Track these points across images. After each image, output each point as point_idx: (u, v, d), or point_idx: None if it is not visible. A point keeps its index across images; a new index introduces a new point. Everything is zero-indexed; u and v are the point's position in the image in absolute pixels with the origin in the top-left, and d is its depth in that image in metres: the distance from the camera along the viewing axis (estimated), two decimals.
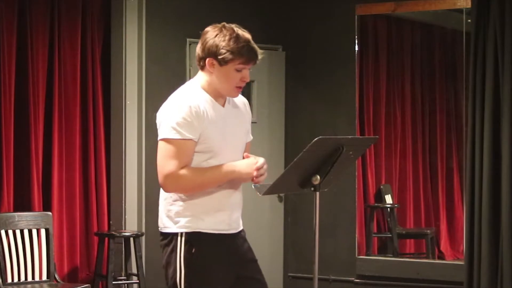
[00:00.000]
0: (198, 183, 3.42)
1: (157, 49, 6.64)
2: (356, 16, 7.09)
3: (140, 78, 6.54)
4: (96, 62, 6.57)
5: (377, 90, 7.51)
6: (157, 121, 3.48)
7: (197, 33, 6.93)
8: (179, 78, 6.74)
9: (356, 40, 7.15)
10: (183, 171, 3.38)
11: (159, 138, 3.44)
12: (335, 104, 7.24)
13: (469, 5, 6.46)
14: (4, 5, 6.00)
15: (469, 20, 6.45)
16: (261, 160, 3.49)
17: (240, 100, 3.66)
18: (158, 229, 3.56)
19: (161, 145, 3.42)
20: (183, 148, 3.38)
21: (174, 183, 3.40)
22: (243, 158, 3.56)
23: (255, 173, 3.45)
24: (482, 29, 6.29)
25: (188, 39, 6.82)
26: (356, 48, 7.16)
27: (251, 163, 3.46)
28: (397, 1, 6.89)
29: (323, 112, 7.29)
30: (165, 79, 6.65)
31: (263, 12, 7.26)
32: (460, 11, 6.74)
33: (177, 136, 3.38)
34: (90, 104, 6.55)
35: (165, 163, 3.39)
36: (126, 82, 6.51)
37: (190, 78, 6.70)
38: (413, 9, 6.98)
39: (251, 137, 3.72)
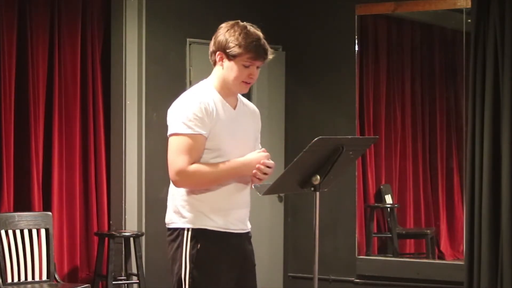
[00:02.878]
0: (210, 178, 3.43)
1: (157, 49, 6.64)
2: (356, 16, 7.10)
3: (140, 78, 6.54)
4: (96, 62, 6.57)
5: (377, 90, 7.51)
6: (168, 117, 3.51)
7: (197, 33, 7.00)
8: (179, 78, 6.75)
9: (356, 40, 7.15)
10: (193, 167, 3.40)
11: (169, 133, 3.47)
12: (335, 104, 7.24)
13: (469, 5, 6.46)
14: (4, 5, 6.00)
15: (469, 20, 6.46)
16: (269, 160, 3.49)
17: (252, 107, 3.71)
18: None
19: (172, 140, 3.45)
20: (194, 143, 3.41)
21: (185, 179, 3.42)
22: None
23: (258, 166, 3.45)
24: (482, 29, 6.29)
25: (188, 39, 6.82)
26: (356, 48, 7.16)
27: (260, 156, 3.46)
28: (397, 1, 6.89)
29: (323, 112, 7.29)
30: (165, 79, 6.65)
31: (263, 12, 7.27)
32: (460, 11, 6.74)
33: (188, 131, 3.40)
34: (90, 104, 6.55)
35: (176, 158, 3.41)
36: (126, 82, 6.51)
37: (190, 78, 6.79)
38: (413, 9, 6.98)
39: (260, 146, 3.74)
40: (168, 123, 3.50)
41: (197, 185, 3.45)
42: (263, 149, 3.55)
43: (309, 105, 7.35)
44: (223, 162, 3.44)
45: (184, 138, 3.41)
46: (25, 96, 6.12)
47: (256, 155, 3.48)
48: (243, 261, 3.58)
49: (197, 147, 3.42)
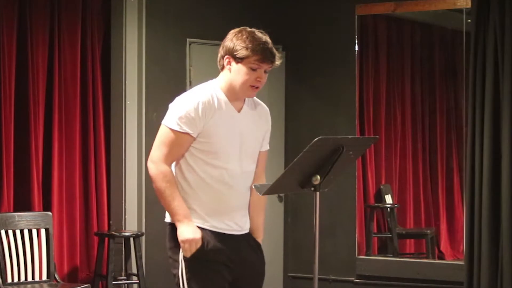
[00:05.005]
0: (163, 194, 3.48)
1: (157, 49, 6.64)
2: (356, 16, 7.10)
3: (140, 78, 6.54)
4: (96, 62, 6.57)
5: (377, 90, 7.50)
6: (169, 107, 3.58)
7: (197, 33, 7.00)
8: (179, 78, 6.75)
9: (356, 40, 7.15)
10: (168, 176, 3.47)
11: (162, 121, 3.56)
12: (335, 104, 7.24)
13: (469, 5, 6.46)
14: (4, 5, 6.00)
15: (469, 20, 6.46)
16: (189, 244, 3.47)
17: (262, 108, 3.75)
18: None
19: (161, 129, 3.55)
20: (178, 140, 3.49)
21: (154, 171, 3.50)
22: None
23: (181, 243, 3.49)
24: (482, 29, 6.29)
25: (188, 39, 6.82)
26: (356, 48, 7.16)
27: (189, 237, 3.46)
28: (397, 1, 6.89)
29: (323, 112, 7.29)
30: (165, 79, 6.65)
31: (263, 12, 7.26)
32: (460, 11, 6.74)
33: (176, 128, 3.48)
34: (90, 104, 6.55)
35: (158, 147, 3.52)
36: (126, 82, 6.51)
37: (190, 78, 6.78)
38: (413, 9, 6.98)
39: (268, 147, 3.76)
40: (167, 112, 3.57)
41: (154, 182, 3.50)
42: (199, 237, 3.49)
43: (309, 105, 7.35)
44: (180, 199, 3.47)
45: (171, 132, 3.49)
46: (25, 96, 6.12)
47: (192, 235, 3.46)
48: (241, 262, 3.59)
49: (179, 144, 3.50)
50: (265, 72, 3.55)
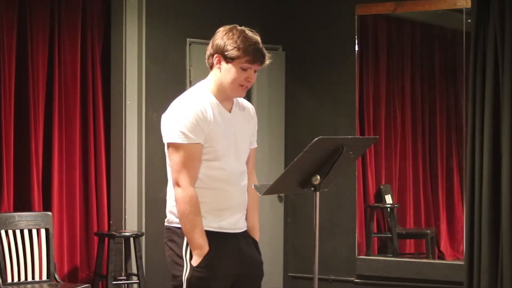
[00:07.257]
0: (186, 218, 3.41)
1: (157, 49, 6.64)
2: (356, 16, 7.10)
3: (140, 78, 6.54)
4: (96, 62, 6.58)
5: (377, 90, 7.50)
6: (163, 123, 3.50)
7: (197, 33, 7.01)
8: (179, 78, 6.75)
9: (356, 40, 7.15)
10: (194, 199, 3.41)
11: (167, 141, 3.46)
12: (335, 104, 7.24)
13: (469, 5, 6.46)
14: (4, 5, 6.00)
15: (469, 20, 6.46)
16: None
17: (248, 106, 3.71)
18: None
19: (172, 151, 3.44)
20: (193, 153, 3.42)
21: (181, 194, 3.42)
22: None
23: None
24: (482, 29, 6.29)
25: (188, 39, 6.82)
26: (356, 48, 7.16)
27: (198, 257, 3.45)
28: (397, 1, 6.89)
29: (323, 112, 7.29)
30: (165, 79, 6.65)
31: (263, 12, 7.27)
32: (460, 11, 6.74)
33: (186, 141, 3.41)
34: (90, 104, 6.55)
35: (179, 170, 3.42)
36: (126, 82, 6.51)
37: (190, 78, 6.79)
38: (413, 9, 6.98)
39: (256, 145, 3.73)
40: (164, 129, 3.49)
41: (179, 204, 3.43)
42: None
43: (309, 105, 7.35)
44: (200, 226, 3.42)
45: (183, 149, 3.41)
46: (25, 96, 6.12)
47: (198, 256, 3.45)
48: (244, 260, 3.59)
49: (196, 157, 3.43)
50: (254, 71, 3.52)
